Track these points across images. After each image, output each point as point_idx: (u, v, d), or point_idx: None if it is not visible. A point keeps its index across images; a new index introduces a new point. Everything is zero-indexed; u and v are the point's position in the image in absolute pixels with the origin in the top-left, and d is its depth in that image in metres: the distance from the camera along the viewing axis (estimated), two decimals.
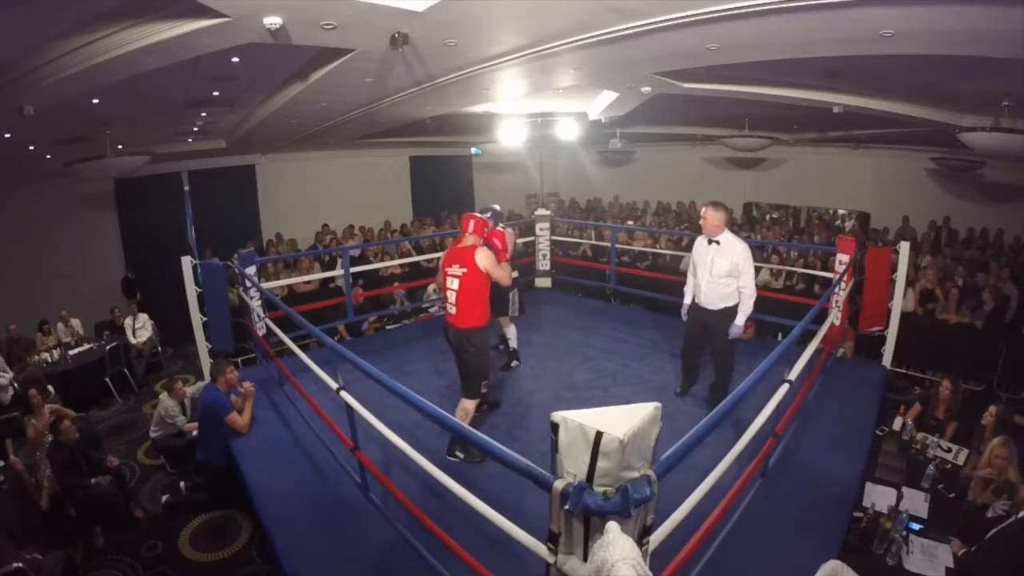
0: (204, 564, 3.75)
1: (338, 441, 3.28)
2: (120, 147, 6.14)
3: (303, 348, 4.20)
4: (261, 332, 4.85)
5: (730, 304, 3.76)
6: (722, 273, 3.72)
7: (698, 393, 4.24)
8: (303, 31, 3.25)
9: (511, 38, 3.84)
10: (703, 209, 3.80)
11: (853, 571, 2.40)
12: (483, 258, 3.27)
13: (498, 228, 3.96)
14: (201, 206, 9.04)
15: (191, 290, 4.76)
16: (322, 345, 3.33)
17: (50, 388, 5.24)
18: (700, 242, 3.85)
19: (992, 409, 3.75)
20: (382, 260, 7.92)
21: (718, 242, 3.73)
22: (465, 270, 3.28)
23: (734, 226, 9.88)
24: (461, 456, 3.43)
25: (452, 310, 3.36)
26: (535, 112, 7.14)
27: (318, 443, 3.69)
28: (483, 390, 3.45)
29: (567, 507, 1.41)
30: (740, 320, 3.76)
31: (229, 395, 4.06)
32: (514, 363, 4.76)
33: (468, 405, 3.44)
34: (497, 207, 4.35)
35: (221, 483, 4.08)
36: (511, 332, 4.74)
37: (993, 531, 2.78)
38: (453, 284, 3.32)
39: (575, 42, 3.73)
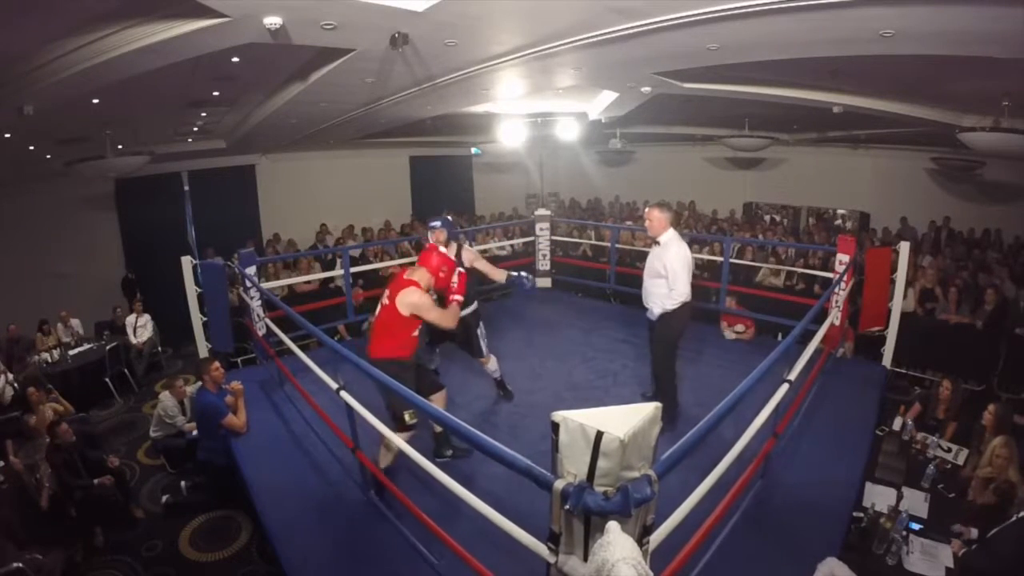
0: (204, 564, 3.75)
1: (338, 441, 3.28)
2: (120, 147, 6.14)
3: (303, 348, 4.20)
4: (261, 332, 4.84)
5: (667, 307, 3.67)
6: (652, 273, 3.75)
7: (699, 395, 4.23)
8: (303, 31, 3.25)
9: (511, 38, 3.84)
10: (647, 210, 3.81)
11: (850, 570, 2.40)
12: (407, 303, 2.99)
13: (465, 248, 3.95)
14: (201, 206, 8.97)
15: (191, 290, 4.76)
16: (322, 345, 3.33)
17: (50, 387, 5.24)
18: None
19: (991, 408, 3.75)
20: (382, 260, 7.92)
21: (659, 243, 3.72)
22: (387, 303, 3.05)
23: (734, 226, 9.93)
24: (450, 454, 3.34)
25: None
26: (535, 112, 7.14)
27: (318, 443, 3.69)
28: (409, 421, 2.96)
29: (567, 507, 1.41)
30: (659, 308, 3.69)
31: (221, 395, 4.05)
32: (501, 393, 4.25)
33: (390, 442, 2.84)
34: (449, 217, 4.03)
35: (221, 483, 4.08)
36: (492, 366, 4.17)
37: (994, 531, 2.78)
38: (377, 310, 3.13)
39: (575, 42, 3.73)
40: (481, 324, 4.09)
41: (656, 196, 11.97)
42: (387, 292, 3.11)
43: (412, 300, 3.00)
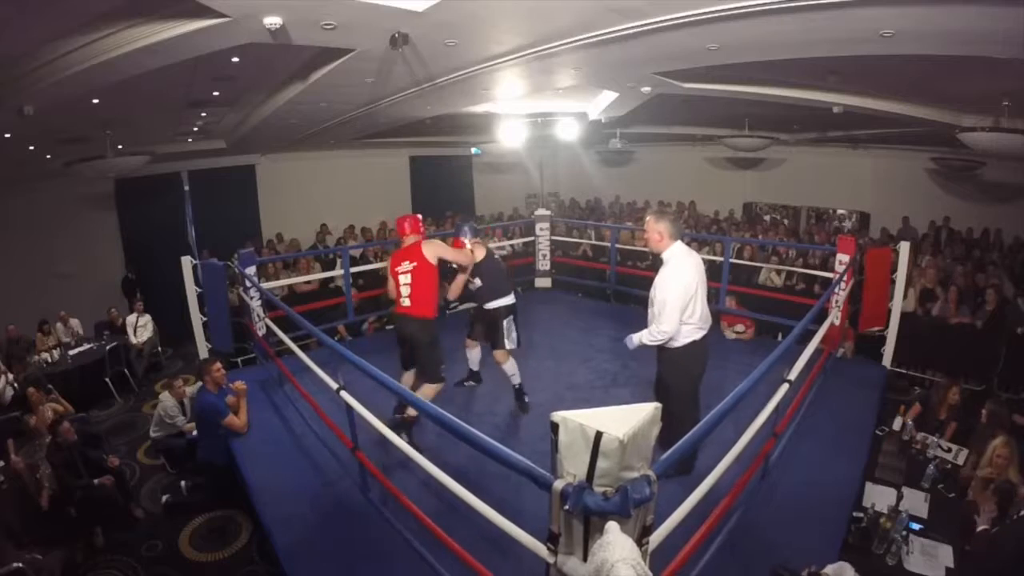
0: (204, 564, 3.75)
1: (338, 441, 3.28)
2: (120, 147, 6.14)
3: (303, 348, 4.20)
4: (261, 332, 4.84)
5: (645, 341, 3.01)
6: (650, 300, 3.03)
7: (699, 395, 4.23)
8: (303, 31, 3.25)
9: (511, 38, 3.84)
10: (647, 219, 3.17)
11: (857, 574, 2.39)
12: (430, 250, 3.52)
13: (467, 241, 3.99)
14: (201, 206, 9.03)
15: (191, 290, 4.76)
16: (322, 345, 3.33)
17: (50, 387, 5.24)
18: None
19: (987, 405, 3.76)
20: (382, 260, 7.92)
21: (663, 261, 3.02)
22: (415, 264, 3.51)
23: (733, 225, 9.92)
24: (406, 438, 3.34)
25: (406, 303, 3.54)
26: (535, 112, 7.14)
27: (318, 443, 3.69)
28: (443, 374, 3.62)
29: (567, 507, 1.41)
30: (637, 338, 3.04)
31: (222, 395, 4.05)
32: (527, 399, 4.13)
33: (429, 390, 3.52)
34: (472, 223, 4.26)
35: (221, 483, 4.08)
36: (510, 367, 4.04)
37: (994, 529, 2.78)
38: (406, 279, 3.53)
39: (575, 42, 3.73)
40: (510, 319, 3.96)
41: (656, 196, 12.11)
42: (404, 263, 3.52)
43: (432, 245, 3.53)
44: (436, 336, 3.57)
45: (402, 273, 3.54)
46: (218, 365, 4.13)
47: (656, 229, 3.00)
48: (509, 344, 3.97)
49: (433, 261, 3.51)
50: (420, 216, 3.82)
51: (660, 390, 3.24)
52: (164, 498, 4.36)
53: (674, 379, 3.12)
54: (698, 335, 2.98)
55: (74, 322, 7.11)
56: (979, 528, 2.83)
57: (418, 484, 3.03)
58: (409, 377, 3.73)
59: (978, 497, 3.12)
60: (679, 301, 2.87)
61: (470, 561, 2.18)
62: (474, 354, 4.38)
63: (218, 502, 4.19)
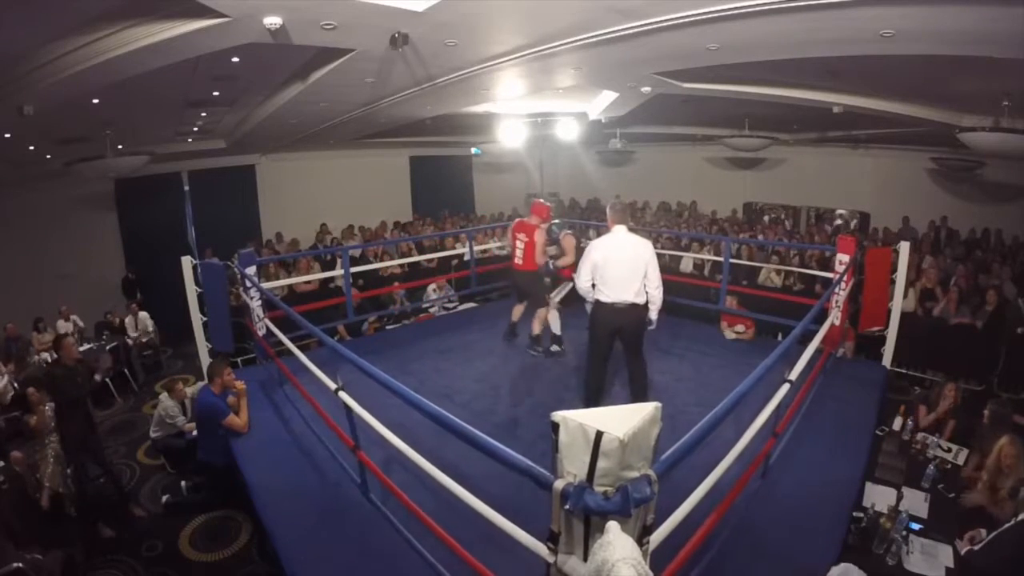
0: (204, 564, 3.74)
1: (338, 441, 3.28)
2: (120, 147, 6.14)
3: (303, 348, 4.20)
4: (261, 332, 4.84)
5: (589, 300, 3.79)
6: None
7: (699, 395, 4.24)
8: (303, 31, 3.25)
9: (511, 38, 3.85)
10: None
11: (863, 572, 2.38)
12: (539, 237, 4.66)
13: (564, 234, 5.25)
14: (201, 206, 9.03)
15: (191, 290, 4.75)
16: (322, 345, 3.33)
17: None
18: None
19: (990, 405, 3.76)
20: (382, 260, 7.92)
21: None
22: (527, 239, 4.67)
23: (734, 226, 9.92)
24: (540, 350, 4.83)
25: (520, 261, 4.75)
26: (535, 112, 7.15)
27: (318, 443, 3.69)
28: (556, 297, 5.02)
29: (567, 507, 1.41)
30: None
31: (223, 395, 4.05)
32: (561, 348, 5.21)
33: (542, 312, 4.81)
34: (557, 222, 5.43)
35: (221, 483, 4.08)
36: (554, 318, 5.09)
37: (994, 533, 2.77)
38: (521, 246, 4.72)
39: (575, 42, 3.74)
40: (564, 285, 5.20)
41: (656, 196, 12.13)
42: (521, 234, 4.69)
43: (541, 235, 4.66)
44: (539, 280, 4.85)
45: (519, 240, 4.71)
46: (229, 369, 4.12)
47: (607, 214, 3.73)
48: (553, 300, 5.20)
49: (537, 240, 4.66)
50: (550, 206, 4.93)
51: None
52: (164, 498, 4.36)
53: (589, 332, 3.84)
54: (603, 297, 3.59)
55: (74, 318, 7.10)
56: (977, 543, 2.80)
57: (418, 484, 3.02)
58: (521, 308, 5.04)
59: (986, 501, 3.09)
60: (586, 260, 3.61)
61: (470, 561, 2.18)
62: (553, 316, 5.16)
63: (218, 502, 4.19)
